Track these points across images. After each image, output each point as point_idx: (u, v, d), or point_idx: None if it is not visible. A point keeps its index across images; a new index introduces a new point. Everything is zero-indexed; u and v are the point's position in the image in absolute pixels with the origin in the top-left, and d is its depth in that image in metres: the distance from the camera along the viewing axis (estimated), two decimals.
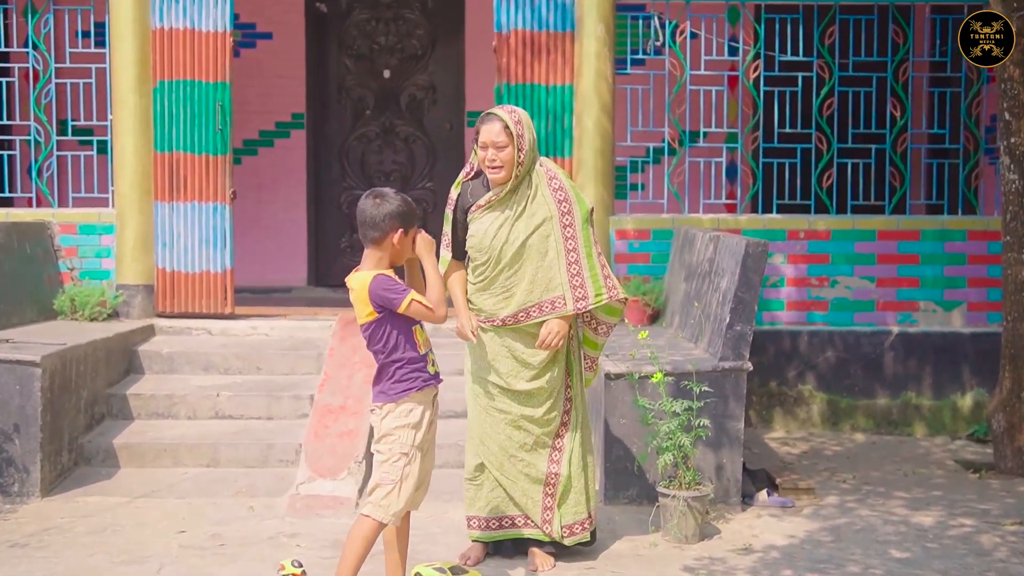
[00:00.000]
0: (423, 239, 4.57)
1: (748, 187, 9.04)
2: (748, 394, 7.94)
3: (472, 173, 5.20)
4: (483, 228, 5.08)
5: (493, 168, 5.01)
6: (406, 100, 10.75)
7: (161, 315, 8.40)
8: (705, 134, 8.71)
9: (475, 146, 5.10)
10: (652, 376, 5.95)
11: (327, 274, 10.74)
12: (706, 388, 6.00)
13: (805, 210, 8.78)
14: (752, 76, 8.47)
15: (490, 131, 5.00)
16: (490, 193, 5.09)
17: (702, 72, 8.54)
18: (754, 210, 9.03)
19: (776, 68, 8.54)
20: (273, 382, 7.65)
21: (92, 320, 8.01)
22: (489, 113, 5.07)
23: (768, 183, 8.94)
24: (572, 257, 5.09)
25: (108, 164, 8.42)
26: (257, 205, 10.57)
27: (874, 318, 8.38)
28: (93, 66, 8.52)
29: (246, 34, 10.44)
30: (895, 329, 8.35)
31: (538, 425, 5.17)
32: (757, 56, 8.50)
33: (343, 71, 10.75)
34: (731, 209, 9.29)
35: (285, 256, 10.63)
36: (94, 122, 8.60)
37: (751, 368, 6.38)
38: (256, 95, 10.49)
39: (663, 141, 8.64)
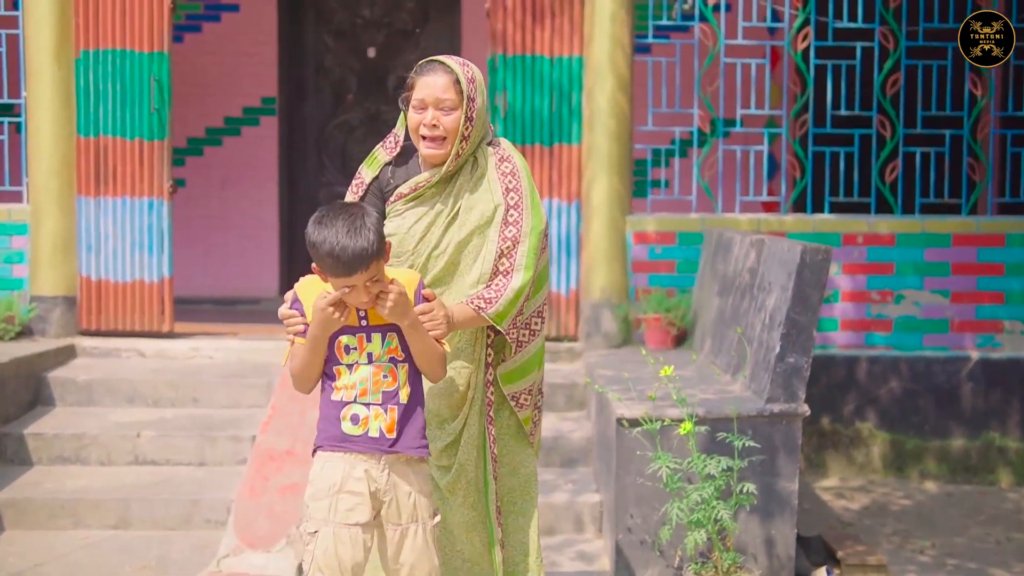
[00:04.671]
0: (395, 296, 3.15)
1: (794, 181, 7.53)
2: None
3: (396, 149, 3.63)
4: (405, 226, 3.53)
5: (431, 140, 3.45)
6: (394, 83, 9.38)
7: (85, 333, 7.00)
8: (743, 118, 7.22)
9: (403, 107, 3.54)
10: (679, 425, 4.46)
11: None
12: (751, 442, 4.52)
13: (865, 209, 7.31)
14: (800, 47, 7.01)
15: (433, 84, 3.43)
16: (422, 176, 3.53)
17: (739, 42, 7.10)
18: (801, 209, 7.55)
19: (830, 37, 7.09)
20: (210, 417, 6.26)
21: (52, 345, 6.66)
22: (431, 61, 3.52)
23: (819, 176, 7.47)
24: (503, 265, 3.53)
25: (22, 150, 7.00)
26: (222, 202, 9.23)
27: (948, 341, 6.92)
28: (3, 32, 7.10)
29: (209, 5, 9.15)
30: (974, 354, 6.88)
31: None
32: (807, 22, 7.05)
33: (321, 49, 9.40)
34: (773, 208, 7.80)
35: (253, 261, 9.28)
36: (5, 99, 7.19)
37: (808, 412, 4.90)
38: (221, 76, 9.16)
39: (692, 125, 7.16)
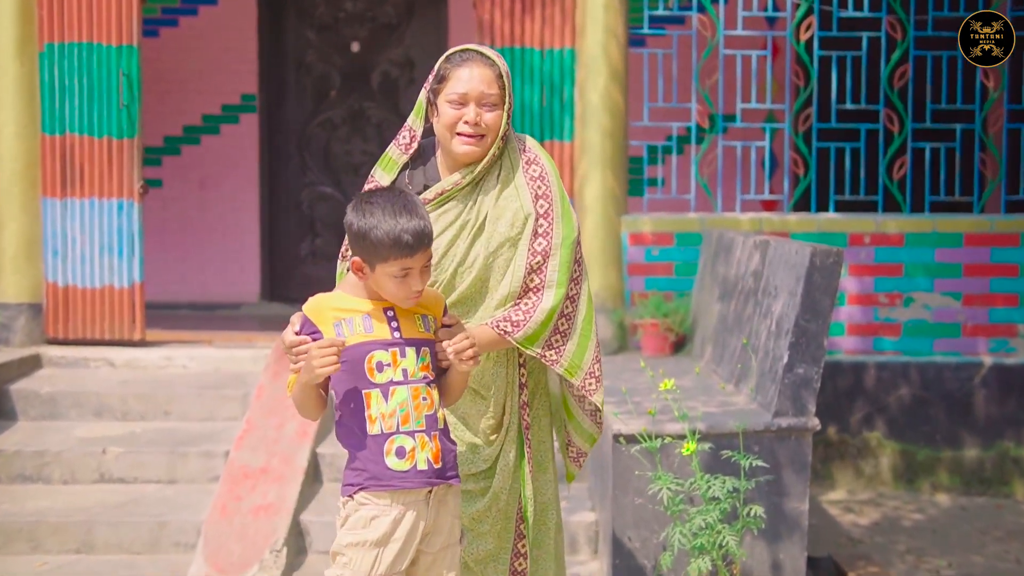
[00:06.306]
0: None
1: (797, 179, 7.19)
2: None
3: (412, 146, 3.23)
4: None
5: (471, 137, 3.10)
6: (378, 79, 9.03)
7: (52, 341, 6.65)
8: (742, 112, 6.88)
9: (429, 98, 3.16)
10: (680, 442, 4.10)
11: (284, 287, 9.03)
12: (758, 460, 4.17)
13: (871, 208, 6.97)
14: (804, 37, 6.66)
15: (477, 77, 3.09)
16: (449, 179, 3.16)
17: (739, 33, 6.78)
18: (805, 208, 7.20)
19: (834, 27, 6.75)
20: (182, 432, 5.91)
21: (15, 355, 6.32)
22: (467, 50, 3.16)
23: (823, 174, 7.12)
24: (533, 282, 3.19)
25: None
26: (200, 204, 8.87)
27: (960, 346, 6.60)
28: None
29: None
30: (987, 360, 6.57)
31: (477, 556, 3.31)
32: (810, 11, 6.71)
33: (303, 44, 9.03)
34: (775, 207, 7.47)
35: (233, 265, 8.93)
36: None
37: (818, 426, 4.56)
38: (198, 72, 8.80)
39: (690, 120, 6.81)
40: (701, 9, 6.75)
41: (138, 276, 6.64)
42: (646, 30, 6.79)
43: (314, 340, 2.77)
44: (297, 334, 2.83)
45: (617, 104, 6.47)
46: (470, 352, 2.84)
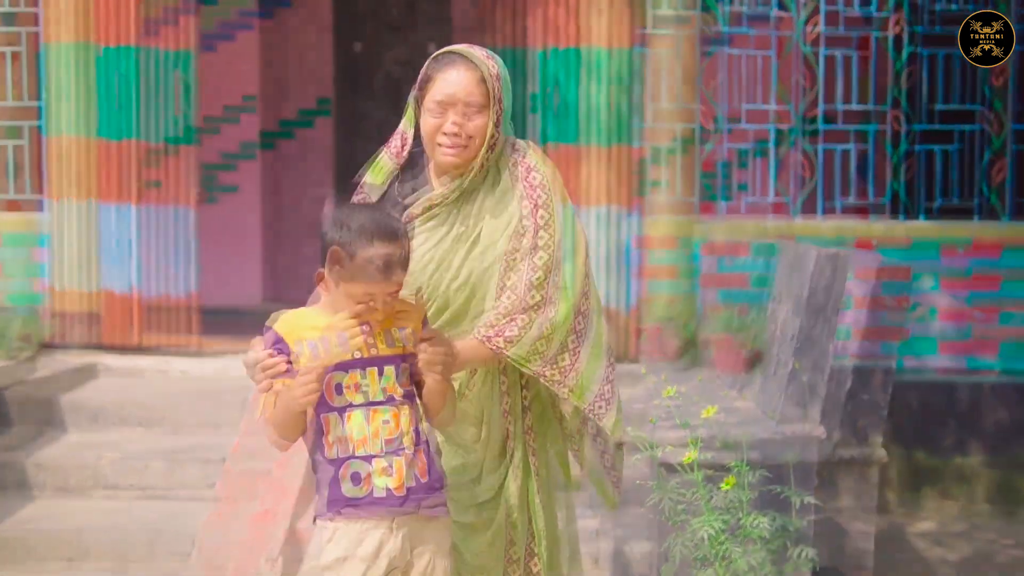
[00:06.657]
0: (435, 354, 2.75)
1: (803, 181, 7.10)
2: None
3: (404, 153, 3.07)
4: (418, 253, 2.94)
5: (452, 146, 2.91)
6: (381, 80, 8.96)
7: (47, 346, 6.62)
8: (747, 113, 6.80)
9: (415, 103, 3.00)
10: (684, 454, 4.02)
11: (286, 290, 8.97)
12: (763, 471, 4.08)
13: (879, 210, 6.84)
14: (809, 36, 6.57)
15: (455, 83, 2.91)
16: (437, 192, 2.98)
17: (743, 31, 6.68)
18: (811, 211, 7.10)
19: (841, 25, 6.67)
20: (180, 437, 5.93)
21: (12, 359, 6.26)
22: (451, 52, 2.98)
23: (829, 176, 7.00)
24: (534, 299, 2.96)
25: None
26: (201, 205, 8.73)
27: (968, 350, 6.50)
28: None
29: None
30: (997, 366, 6.47)
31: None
32: (816, 10, 6.62)
33: (305, 44, 9.08)
34: (780, 209, 7.36)
35: (234, 268, 8.88)
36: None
37: (824, 435, 4.49)
38: (199, 73, 8.66)
39: (694, 122, 6.72)
40: (706, 8, 6.67)
41: (136, 281, 6.62)
42: (649, 29, 6.70)
43: (287, 360, 2.65)
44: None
45: (621, 104, 6.42)
46: (440, 363, 2.70)
